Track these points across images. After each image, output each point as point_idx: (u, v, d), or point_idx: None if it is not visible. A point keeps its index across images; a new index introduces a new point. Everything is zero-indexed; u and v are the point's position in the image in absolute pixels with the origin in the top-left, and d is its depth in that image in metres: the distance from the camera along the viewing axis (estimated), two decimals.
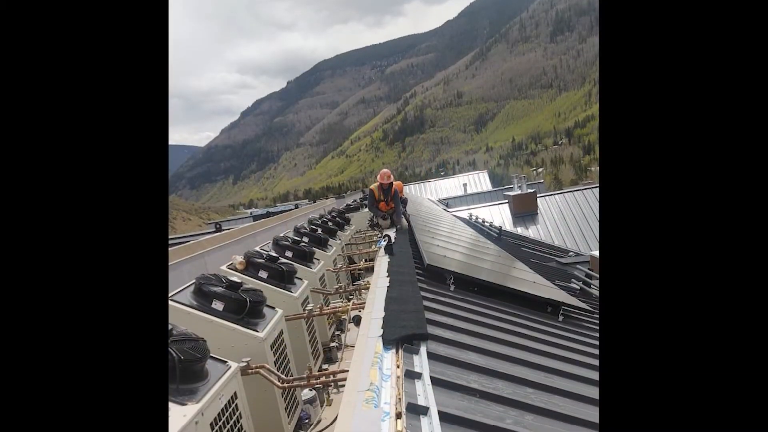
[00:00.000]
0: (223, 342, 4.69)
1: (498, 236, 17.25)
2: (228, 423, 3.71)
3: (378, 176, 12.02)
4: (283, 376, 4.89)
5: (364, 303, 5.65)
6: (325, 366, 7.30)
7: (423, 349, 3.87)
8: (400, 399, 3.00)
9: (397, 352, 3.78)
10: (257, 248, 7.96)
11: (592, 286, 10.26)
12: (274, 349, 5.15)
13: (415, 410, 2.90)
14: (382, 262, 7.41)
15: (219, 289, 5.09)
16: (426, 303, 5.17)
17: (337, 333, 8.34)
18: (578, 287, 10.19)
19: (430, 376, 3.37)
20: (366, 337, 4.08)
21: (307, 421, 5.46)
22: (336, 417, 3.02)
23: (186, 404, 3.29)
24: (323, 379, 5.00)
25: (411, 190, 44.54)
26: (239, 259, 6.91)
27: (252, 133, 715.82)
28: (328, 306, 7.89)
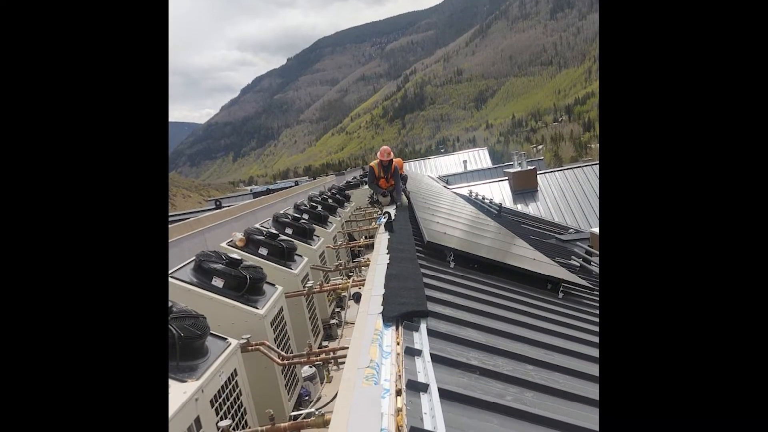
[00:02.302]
0: (223, 319, 4.70)
1: (498, 213, 17.24)
2: (228, 400, 3.73)
3: (378, 153, 12.00)
4: (283, 353, 4.90)
5: (364, 280, 5.65)
6: (325, 343, 7.33)
7: (423, 326, 3.87)
8: (400, 376, 2.99)
9: (397, 329, 3.78)
10: (257, 225, 7.95)
11: (592, 263, 10.26)
12: (274, 326, 5.16)
13: (415, 387, 2.90)
14: (382, 239, 7.40)
15: (219, 266, 5.10)
16: (426, 280, 5.16)
17: (337, 310, 8.37)
18: (578, 264, 10.20)
19: (430, 353, 3.37)
20: (366, 314, 4.08)
21: (307, 397, 5.48)
22: (336, 394, 3.02)
23: (186, 381, 3.30)
24: (323, 356, 5.01)
25: (411, 167, 44.45)
26: (239, 236, 6.90)
27: (252, 110, 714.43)
28: (328, 283, 7.91)
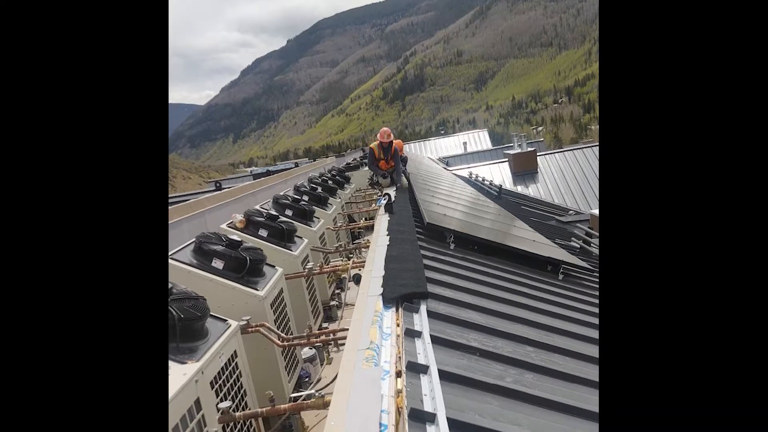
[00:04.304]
0: (223, 300, 4.70)
1: (498, 195, 17.23)
2: (228, 381, 3.73)
3: (378, 135, 11.96)
4: (283, 335, 4.90)
5: (364, 262, 5.64)
6: (325, 325, 7.34)
7: (423, 308, 3.87)
8: (400, 357, 2.99)
9: (397, 310, 3.78)
10: (257, 207, 7.95)
11: (592, 244, 10.27)
12: (274, 308, 5.16)
13: (415, 369, 2.90)
14: (382, 221, 7.39)
15: (219, 248, 5.09)
16: (426, 262, 5.16)
17: (337, 291, 8.38)
18: (578, 246, 10.20)
19: (430, 335, 3.36)
20: (366, 295, 4.08)
21: (307, 379, 5.50)
22: (336, 375, 3.03)
23: (186, 363, 3.30)
24: (323, 337, 5.02)
25: (411, 149, 44.39)
26: (239, 217, 6.90)
27: (252, 91, 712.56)
28: (328, 264, 7.91)
